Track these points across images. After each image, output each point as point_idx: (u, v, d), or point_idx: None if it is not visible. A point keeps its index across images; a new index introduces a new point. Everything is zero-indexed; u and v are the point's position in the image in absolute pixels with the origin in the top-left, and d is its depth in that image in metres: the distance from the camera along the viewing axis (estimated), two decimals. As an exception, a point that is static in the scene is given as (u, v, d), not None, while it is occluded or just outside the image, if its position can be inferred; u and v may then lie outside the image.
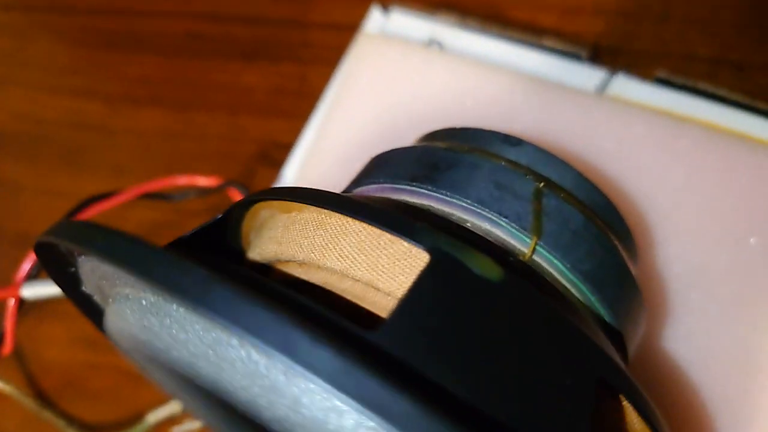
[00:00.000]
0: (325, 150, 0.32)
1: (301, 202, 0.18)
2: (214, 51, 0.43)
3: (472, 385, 0.13)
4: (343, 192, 0.22)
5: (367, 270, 0.17)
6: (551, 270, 0.19)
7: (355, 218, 0.17)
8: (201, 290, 0.12)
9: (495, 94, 0.32)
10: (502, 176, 0.20)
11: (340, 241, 0.17)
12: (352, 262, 0.17)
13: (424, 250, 0.15)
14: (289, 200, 0.18)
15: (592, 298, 0.19)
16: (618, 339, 0.20)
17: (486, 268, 0.15)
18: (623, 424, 0.17)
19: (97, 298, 0.20)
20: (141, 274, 0.13)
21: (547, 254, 0.19)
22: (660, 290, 0.28)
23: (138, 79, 0.42)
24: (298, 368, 0.11)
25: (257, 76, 0.41)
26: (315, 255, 0.18)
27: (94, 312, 0.20)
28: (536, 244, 0.19)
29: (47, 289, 0.32)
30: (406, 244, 0.17)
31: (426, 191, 0.20)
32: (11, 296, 0.32)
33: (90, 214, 0.30)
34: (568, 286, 0.19)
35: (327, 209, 0.17)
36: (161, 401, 0.32)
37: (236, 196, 0.32)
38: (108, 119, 0.41)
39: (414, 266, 0.16)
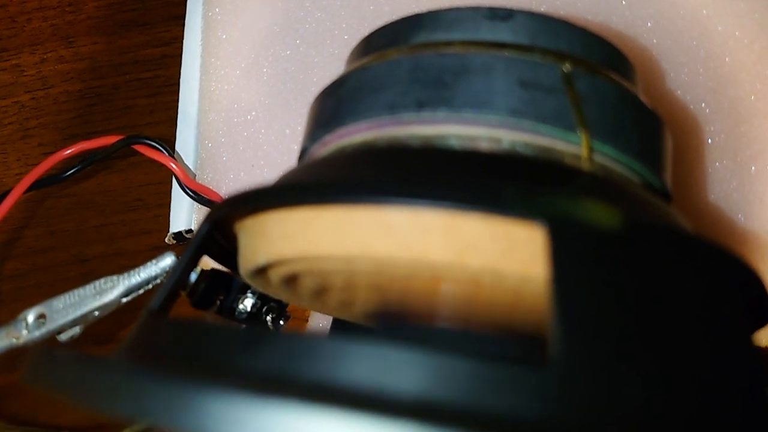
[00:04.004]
0: (223, 57, 0.26)
1: (339, 203, 0.14)
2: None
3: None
4: (317, 135, 0.18)
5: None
6: (613, 165, 0.16)
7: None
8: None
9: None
10: (522, 70, 0.16)
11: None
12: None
13: (538, 223, 0.12)
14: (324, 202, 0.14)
15: (648, 174, 0.17)
16: (666, 194, 0.18)
17: (605, 216, 0.13)
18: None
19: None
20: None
21: (602, 147, 0.16)
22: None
23: None
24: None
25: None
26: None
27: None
28: (589, 142, 0.16)
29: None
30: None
31: (444, 115, 0.16)
32: None
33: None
34: (630, 174, 0.17)
35: (384, 203, 0.13)
36: None
37: (148, 152, 0.25)
38: None
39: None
